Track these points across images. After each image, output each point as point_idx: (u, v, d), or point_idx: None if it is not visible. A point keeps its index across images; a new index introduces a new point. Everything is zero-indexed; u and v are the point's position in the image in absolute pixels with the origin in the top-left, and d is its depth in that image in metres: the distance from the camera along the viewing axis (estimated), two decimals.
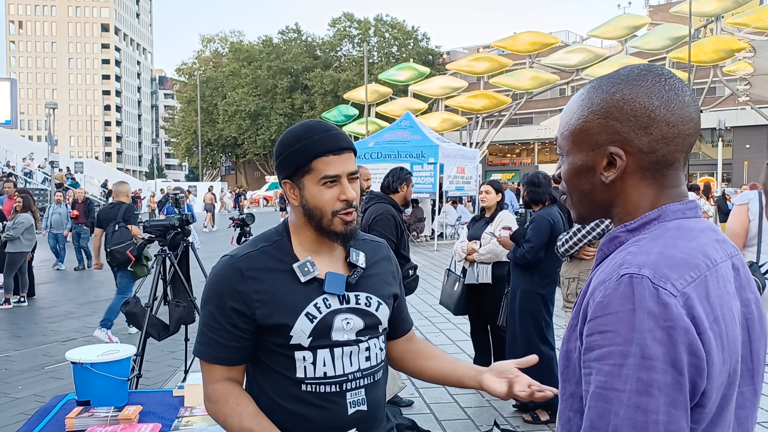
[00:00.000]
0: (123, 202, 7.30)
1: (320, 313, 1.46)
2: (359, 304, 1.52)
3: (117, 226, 6.81)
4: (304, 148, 1.45)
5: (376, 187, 7.32)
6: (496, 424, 4.14)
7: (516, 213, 12.09)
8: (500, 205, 4.95)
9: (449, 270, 5.18)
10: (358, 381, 1.50)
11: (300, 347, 1.45)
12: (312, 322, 1.45)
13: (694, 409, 0.84)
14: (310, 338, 1.45)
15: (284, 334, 1.44)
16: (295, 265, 1.48)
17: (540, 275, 4.35)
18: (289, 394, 1.46)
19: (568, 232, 4.07)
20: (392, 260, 1.69)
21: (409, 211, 18.07)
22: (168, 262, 4.53)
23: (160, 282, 4.54)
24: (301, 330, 1.44)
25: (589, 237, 3.95)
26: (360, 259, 1.55)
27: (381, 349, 1.57)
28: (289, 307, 1.45)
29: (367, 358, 1.52)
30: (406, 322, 1.74)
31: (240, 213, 7.28)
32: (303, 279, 1.47)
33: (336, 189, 1.46)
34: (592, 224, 3.94)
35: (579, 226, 3.90)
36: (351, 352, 1.49)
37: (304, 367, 1.46)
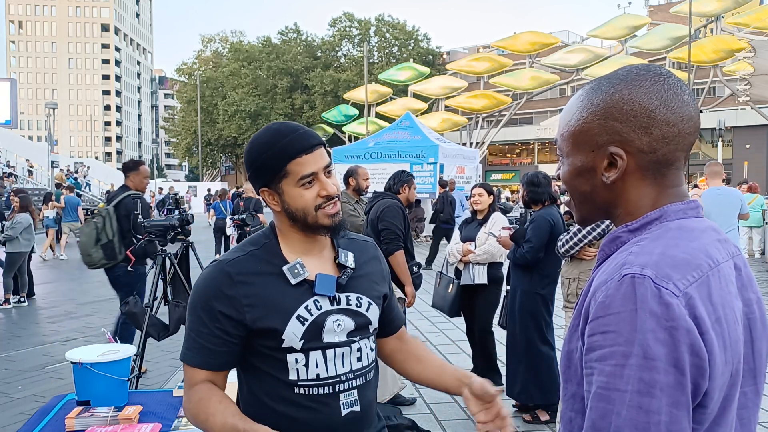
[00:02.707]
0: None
1: (311, 315, 1.45)
2: (350, 304, 1.51)
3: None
4: (276, 154, 1.44)
5: (373, 187, 7.34)
6: None
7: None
8: (492, 207, 5.00)
9: (441, 273, 5.19)
10: (350, 382, 1.49)
11: (292, 350, 1.44)
12: (303, 324, 1.44)
13: (696, 409, 0.84)
14: (302, 341, 1.44)
15: (276, 338, 1.43)
16: (284, 268, 1.47)
17: (540, 275, 4.36)
18: (282, 397, 1.45)
19: (568, 233, 4.07)
20: (381, 259, 1.68)
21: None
22: (168, 262, 4.53)
23: (160, 282, 4.54)
24: (293, 333, 1.43)
25: (590, 237, 3.95)
26: (349, 259, 1.54)
27: (372, 350, 1.57)
28: (279, 310, 1.44)
29: (359, 359, 1.52)
30: (396, 321, 1.72)
31: (240, 213, 7.31)
32: (293, 281, 1.46)
33: (315, 187, 1.46)
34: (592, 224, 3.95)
35: (579, 226, 3.90)
36: (343, 353, 1.48)
37: (297, 369, 1.45)
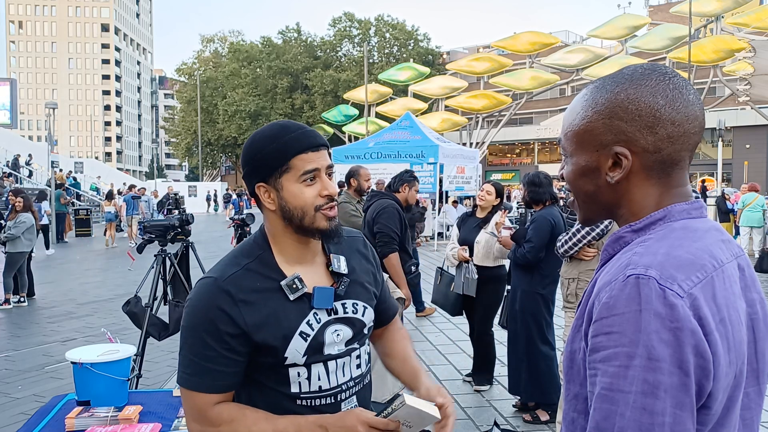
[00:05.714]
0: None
1: (312, 330, 1.42)
2: (346, 312, 1.49)
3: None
4: (281, 147, 1.40)
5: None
6: (496, 424, 4.13)
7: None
8: (496, 209, 4.90)
9: (442, 270, 5.15)
10: (351, 389, 1.49)
11: (294, 365, 1.42)
12: (306, 340, 1.41)
13: (700, 410, 0.84)
14: (305, 356, 1.42)
15: (279, 356, 1.40)
16: (282, 283, 1.42)
17: (540, 275, 4.35)
18: (284, 409, 1.42)
19: (567, 233, 4.07)
20: (368, 252, 1.64)
21: None
22: (168, 262, 4.53)
23: (161, 282, 4.54)
24: (296, 350, 1.40)
25: (589, 237, 3.94)
26: (342, 265, 1.51)
27: (368, 353, 1.57)
28: (283, 327, 1.40)
29: (358, 366, 1.51)
30: (389, 309, 1.71)
31: (240, 213, 7.29)
32: (292, 297, 1.42)
33: (317, 185, 1.42)
34: None
35: (578, 226, 3.89)
36: (344, 363, 1.48)
37: (299, 382, 1.43)
